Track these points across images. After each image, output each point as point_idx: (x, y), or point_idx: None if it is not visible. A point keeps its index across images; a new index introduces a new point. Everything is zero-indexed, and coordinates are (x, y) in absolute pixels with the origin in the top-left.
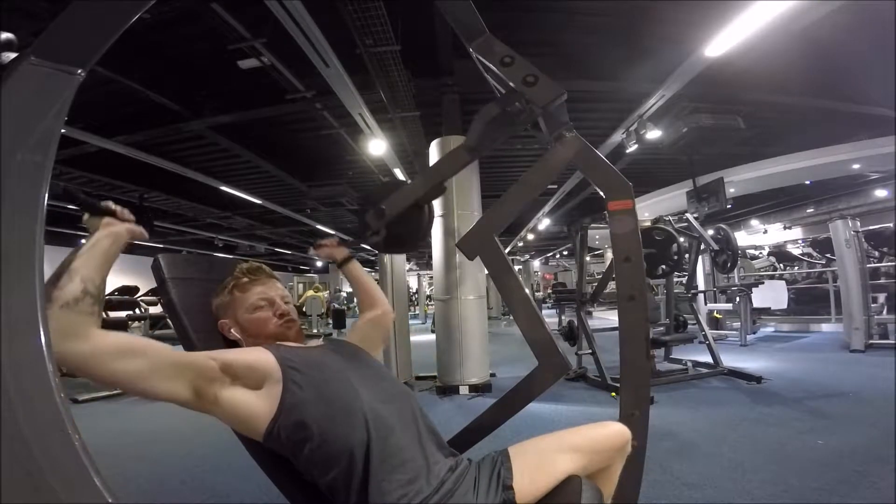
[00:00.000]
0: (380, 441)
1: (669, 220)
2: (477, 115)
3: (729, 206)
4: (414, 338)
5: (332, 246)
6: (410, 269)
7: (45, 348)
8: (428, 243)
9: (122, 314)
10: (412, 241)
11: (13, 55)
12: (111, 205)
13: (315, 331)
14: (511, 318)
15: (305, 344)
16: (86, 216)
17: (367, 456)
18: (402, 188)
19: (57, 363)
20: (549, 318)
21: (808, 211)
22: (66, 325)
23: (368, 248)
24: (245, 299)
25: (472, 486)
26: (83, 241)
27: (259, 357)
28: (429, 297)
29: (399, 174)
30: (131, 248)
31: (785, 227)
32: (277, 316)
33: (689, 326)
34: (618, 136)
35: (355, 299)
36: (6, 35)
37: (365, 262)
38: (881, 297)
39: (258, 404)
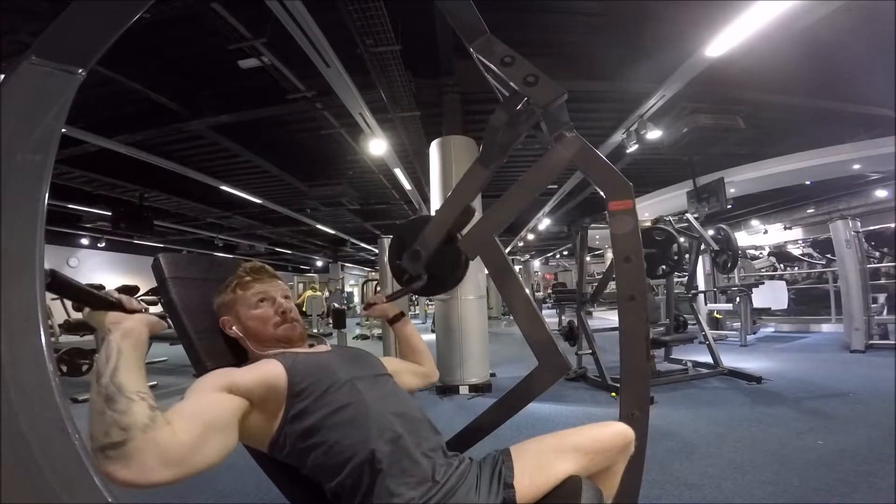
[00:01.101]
0: (386, 446)
1: (670, 220)
2: (487, 127)
3: (729, 207)
4: None
5: (381, 303)
6: None
7: (45, 348)
8: None
9: None
10: (453, 277)
11: None
12: (114, 294)
13: (315, 330)
14: (511, 318)
15: (307, 344)
16: (86, 311)
17: (373, 461)
18: (430, 223)
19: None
20: (549, 318)
21: (809, 211)
22: (160, 450)
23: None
24: (246, 297)
25: (474, 485)
26: (96, 355)
27: (270, 371)
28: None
29: (399, 175)
30: (131, 249)
31: (785, 228)
32: (279, 314)
33: (689, 327)
34: (618, 137)
35: (399, 353)
36: None
37: (364, 262)
38: (881, 298)
39: (264, 415)
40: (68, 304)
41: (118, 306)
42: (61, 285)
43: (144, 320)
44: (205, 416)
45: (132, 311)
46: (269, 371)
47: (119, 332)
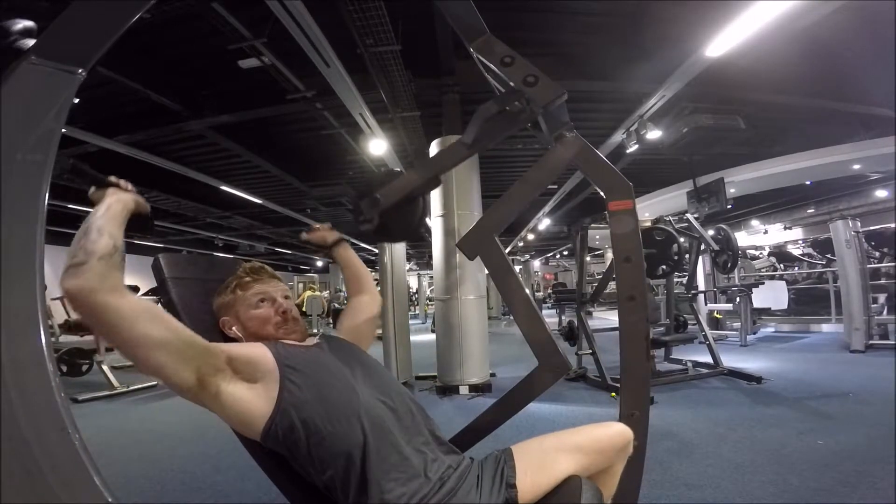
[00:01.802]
0: (377, 440)
1: (670, 220)
2: (476, 113)
3: (729, 207)
4: (414, 338)
5: (324, 230)
6: (410, 269)
7: (45, 348)
8: (428, 242)
9: None
10: (403, 232)
11: (32, 42)
12: (114, 178)
13: (315, 330)
14: (511, 318)
15: (306, 342)
16: (92, 189)
17: (364, 455)
18: (398, 179)
19: (85, 314)
20: (549, 318)
21: (809, 211)
22: (106, 276)
23: (355, 239)
24: (246, 297)
25: (476, 485)
26: (94, 210)
27: (258, 353)
28: (429, 297)
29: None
30: (131, 249)
31: (785, 228)
32: (279, 314)
33: (689, 327)
34: (618, 137)
35: (344, 284)
36: (26, 22)
37: (364, 262)
38: (881, 298)
39: (256, 403)
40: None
41: (116, 186)
42: (79, 171)
43: (134, 197)
44: (172, 320)
45: (127, 191)
46: (255, 350)
47: (114, 198)
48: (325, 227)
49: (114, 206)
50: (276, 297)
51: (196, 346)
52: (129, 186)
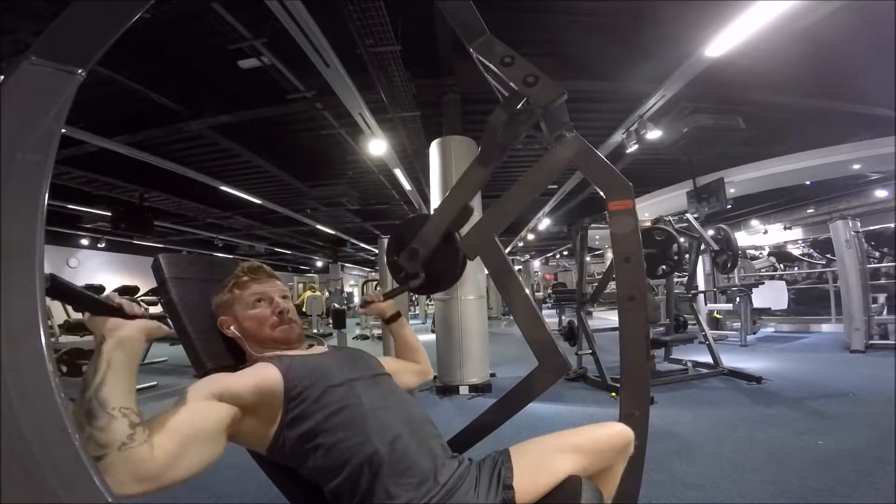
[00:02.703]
0: (386, 447)
1: (670, 220)
2: (486, 126)
3: (729, 207)
4: None
5: (378, 301)
6: None
7: (45, 348)
8: None
9: None
10: (451, 276)
11: None
12: (115, 298)
13: (315, 331)
14: (511, 318)
15: (305, 345)
16: (86, 316)
17: (372, 463)
18: (429, 222)
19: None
20: (549, 318)
21: (809, 211)
22: (134, 469)
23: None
24: (244, 297)
25: (473, 486)
26: (91, 365)
27: (265, 376)
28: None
29: (399, 175)
30: (131, 249)
31: (785, 228)
32: (276, 314)
33: (689, 327)
34: (618, 137)
35: (395, 351)
36: None
37: (364, 262)
38: (881, 298)
39: (262, 420)
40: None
41: (118, 311)
42: (60, 290)
43: (143, 327)
44: (186, 429)
45: (132, 317)
46: (264, 376)
47: (113, 340)
48: (377, 296)
49: (115, 357)
50: (273, 296)
51: (221, 424)
52: (136, 308)
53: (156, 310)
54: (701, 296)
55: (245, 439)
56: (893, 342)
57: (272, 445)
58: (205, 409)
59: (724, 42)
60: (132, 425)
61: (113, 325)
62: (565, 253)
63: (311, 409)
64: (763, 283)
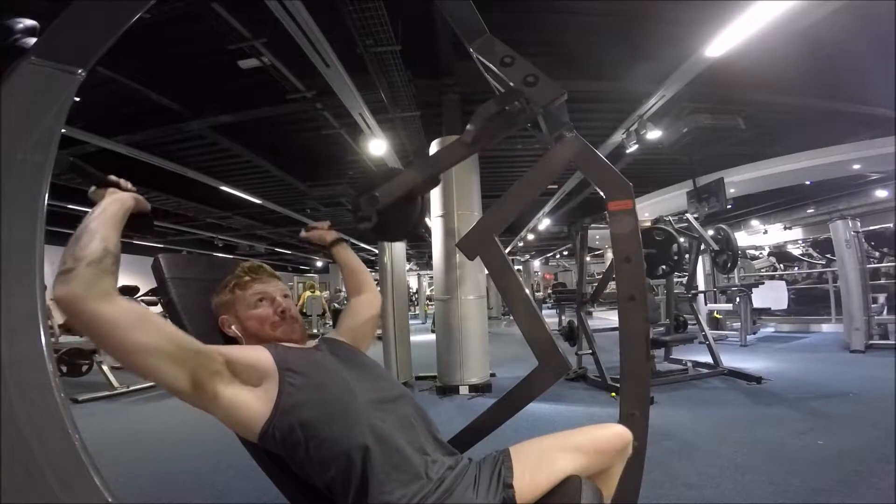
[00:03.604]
0: (378, 442)
1: (669, 220)
2: (476, 112)
3: (729, 207)
4: (414, 338)
5: (322, 229)
6: (410, 269)
7: (45, 348)
8: (428, 242)
9: None
10: (402, 230)
11: (33, 40)
12: (114, 177)
13: (315, 331)
14: (511, 318)
15: (306, 344)
16: (92, 188)
17: (364, 457)
18: (397, 177)
19: (74, 321)
20: (549, 318)
21: (809, 211)
22: (94, 283)
23: (355, 239)
24: (245, 297)
25: (472, 484)
26: (89, 213)
27: (259, 356)
28: (429, 297)
29: None
30: (131, 249)
31: (785, 228)
32: (277, 313)
33: (689, 327)
34: (618, 137)
35: (344, 284)
36: (29, 21)
37: (364, 262)
38: (881, 298)
39: (255, 405)
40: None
41: (117, 185)
42: (78, 169)
43: (133, 195)
44: (162, 323)
45: (126, 191)
46: (255, 353)
47: (111, 198)
48: (323, 225)
49: (110, 206)
50: (275, 296)
51: (189, 349)
52: (129, 185)
53: (156, 310)
54: (701, 296)
55: (236, 423)
56: (893, 342)
57: (263, 433)
58: (182, 333)
59: (724, 42)
60: (107, 251)
61: (113, 191)
62: (565, 253)
63: (304, 400)
64: (763, 283)
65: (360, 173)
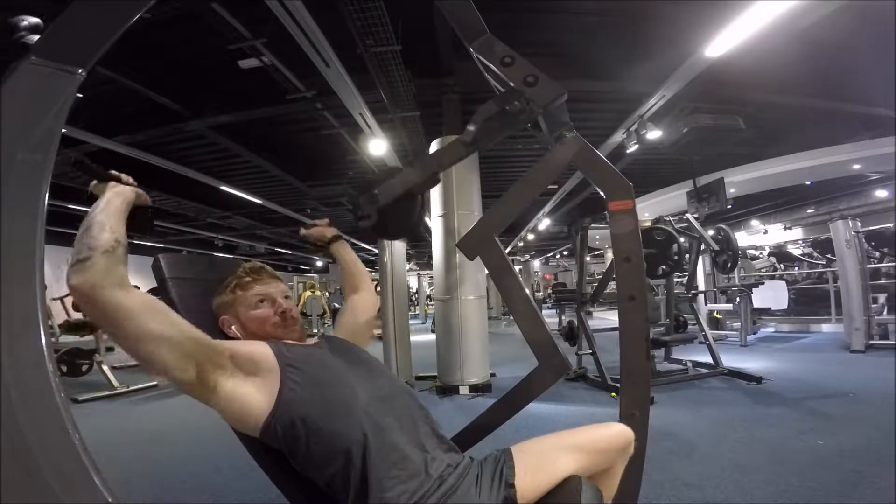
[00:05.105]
0: (377, 438)
1: (670, 220)
2: (476, 112)
3: (729, 207)
4: (414, 338)
5: (322, 226)
6: (410, 269)
7: (45, 348)
8: (428, 242)
9: None
10: (401, 229)
11: (37, 37)
12: (115, 172)
13: (315, 331)
14: (511, 318)
15: (306, 342)
16: (93, 183)
17: (364, 453)
18: (397, 175)
19: (90, 309)
20: (549, 318)
21: (809, 211)
22: (110, 271)
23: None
24: (246, 297)
25: (475, 483)
26: (94, 206)
27: (260, 350)
28: (429, 297)
29: None
30: (131, 249)
31: (785, 228)
32: (278, 314)
33: (689, 327)
34: (618, 137)
35: (342, 283)
36: (32, 19)
37: (364, 262)
38: (881, 298)
39: (256, 399)
40: (68, 303)
41: (118, 180)
42: (81, 165)
43: (134, 189)
44: (173, 314)
45: (127, 185)
46: (257, 347)
47: (113, 191)
48: (323, 223)
49: (113, 200)
50: (275, 297)
51: (198, 341)
52: (130, 180)
53: None
54: (701, 296)
55: (237, 418)
56: (893, 342)
57: (265, 427)
58: (191, 326)
59: (724, 42)
60: (119, 242)
61: (115, 185)
62: (565, 253)
63: (305, 396)
64: (763, 283)
65: (360, 173)
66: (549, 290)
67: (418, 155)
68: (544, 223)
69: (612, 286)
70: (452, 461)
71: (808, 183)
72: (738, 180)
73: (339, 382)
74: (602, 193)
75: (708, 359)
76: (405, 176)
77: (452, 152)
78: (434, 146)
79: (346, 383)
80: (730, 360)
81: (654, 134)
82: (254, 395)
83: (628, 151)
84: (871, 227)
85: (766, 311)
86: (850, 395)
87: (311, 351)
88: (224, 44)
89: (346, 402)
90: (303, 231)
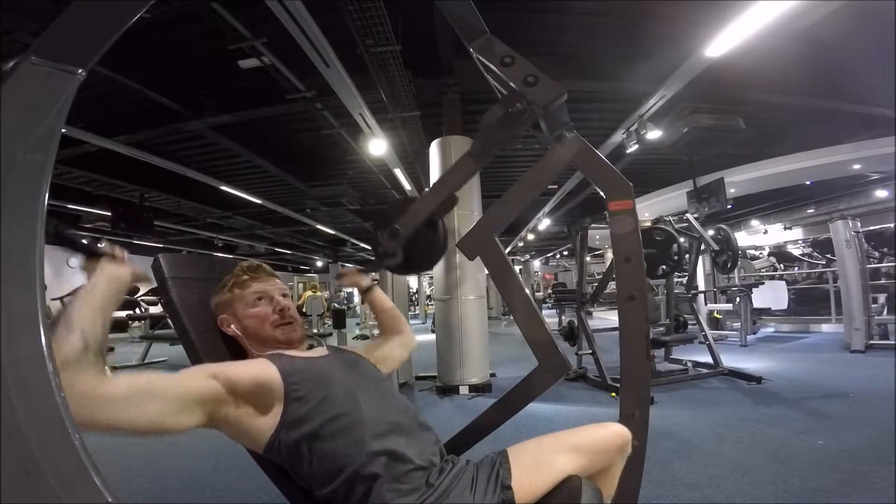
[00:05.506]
0: (382, 455)
1: (670, 220)
2: (480, 122)
3: (729, 207)
4: None
5: (354, 274)
6: None
7: (45, 348)
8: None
9: (123, 314)
10: (430, 259)
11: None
12: (107, 246)
13: (315, 331)
14: (511, 318)
15: (306, 346)
16: (82, 260)
17: (369, 471)
18: (414, 205)
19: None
20: (549, 318)
21: (809, 211)
22: (72, 385)
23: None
24: (244, 296)
25: (470, 486)
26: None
27: (263, 371)
28: (429, 297)
29: (399, 175)
30: (131, 249)
31: (785, 228)
32: (276, 312)
33: (689, 327)
34: (618, 137)
35: (378, 324)
36: None
37: (365, 262)
38: (881, 298)
39: (260, 420)
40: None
41: (110, 256)
42: (62, 238)
43: (129, 269)
44: (145, 384)
45: (122, 263)
46: (262, 370)
47: (102, 274)
48: (354, 270)
49: (97, 286)
50: (273, 295)
51: (190, 397)
52: (124, 255)
53: (156, 310)
54: (701, 296)
55: (241, 437)
56: (893, 342)
57: (269, 445)
58: (186, 378)
59: (724, 42)
60: (86, 348)
61: (105, 264)
62: (565, 253)
63: (310, 414)
64: (763, 283)
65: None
66: (549, 290)
67: (430, 182)
68: (544, 223)
69: (612, 286)
70: (447, 465)
71: (808, 183)
72: (738, 180)
73: (344, 399)
74: (602, 193)
75: (708, 359)
76: (422, 203)
77: (463, 168)
78: (434, 146)
79: (352, 399)
80: (730, 360)
81: (653, 134)
82: (257, 417)
83: (628, 151)
84: (871, 227)
85: (766, 311)
86: (850, 396)
87: (316, 364)
88: (224, 44)
89: (351, 420)
90: (336, 280)
